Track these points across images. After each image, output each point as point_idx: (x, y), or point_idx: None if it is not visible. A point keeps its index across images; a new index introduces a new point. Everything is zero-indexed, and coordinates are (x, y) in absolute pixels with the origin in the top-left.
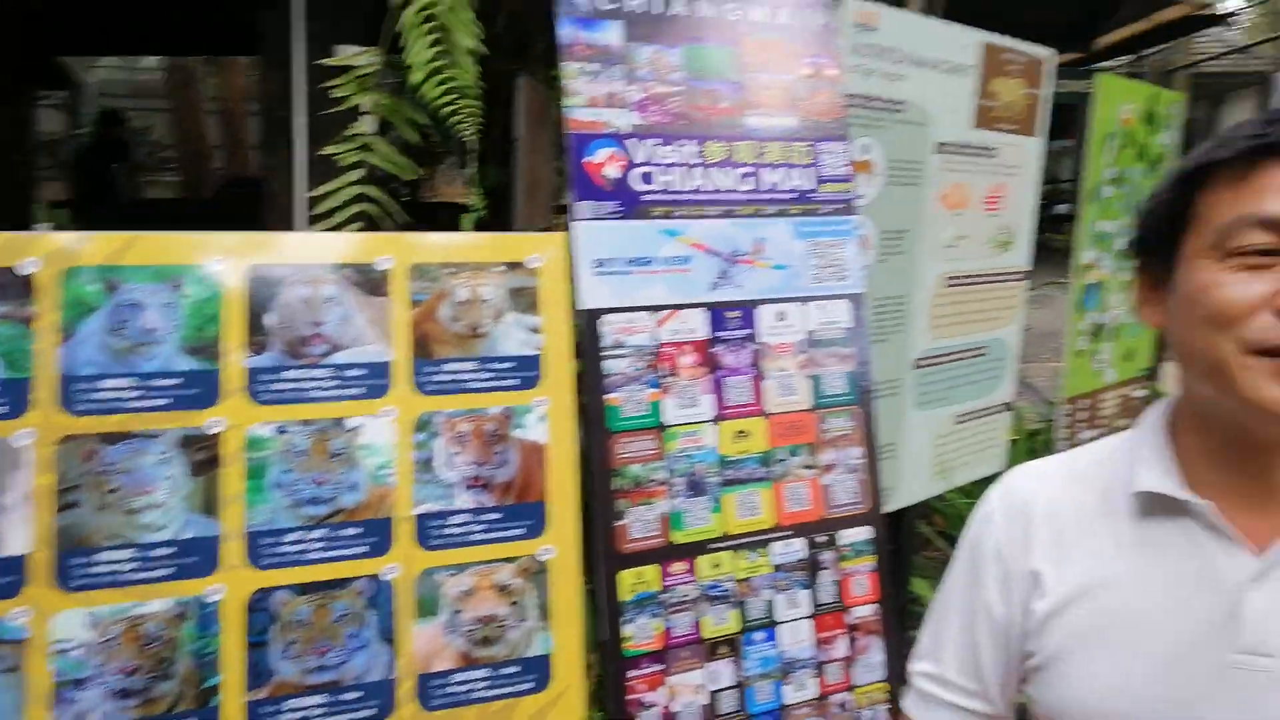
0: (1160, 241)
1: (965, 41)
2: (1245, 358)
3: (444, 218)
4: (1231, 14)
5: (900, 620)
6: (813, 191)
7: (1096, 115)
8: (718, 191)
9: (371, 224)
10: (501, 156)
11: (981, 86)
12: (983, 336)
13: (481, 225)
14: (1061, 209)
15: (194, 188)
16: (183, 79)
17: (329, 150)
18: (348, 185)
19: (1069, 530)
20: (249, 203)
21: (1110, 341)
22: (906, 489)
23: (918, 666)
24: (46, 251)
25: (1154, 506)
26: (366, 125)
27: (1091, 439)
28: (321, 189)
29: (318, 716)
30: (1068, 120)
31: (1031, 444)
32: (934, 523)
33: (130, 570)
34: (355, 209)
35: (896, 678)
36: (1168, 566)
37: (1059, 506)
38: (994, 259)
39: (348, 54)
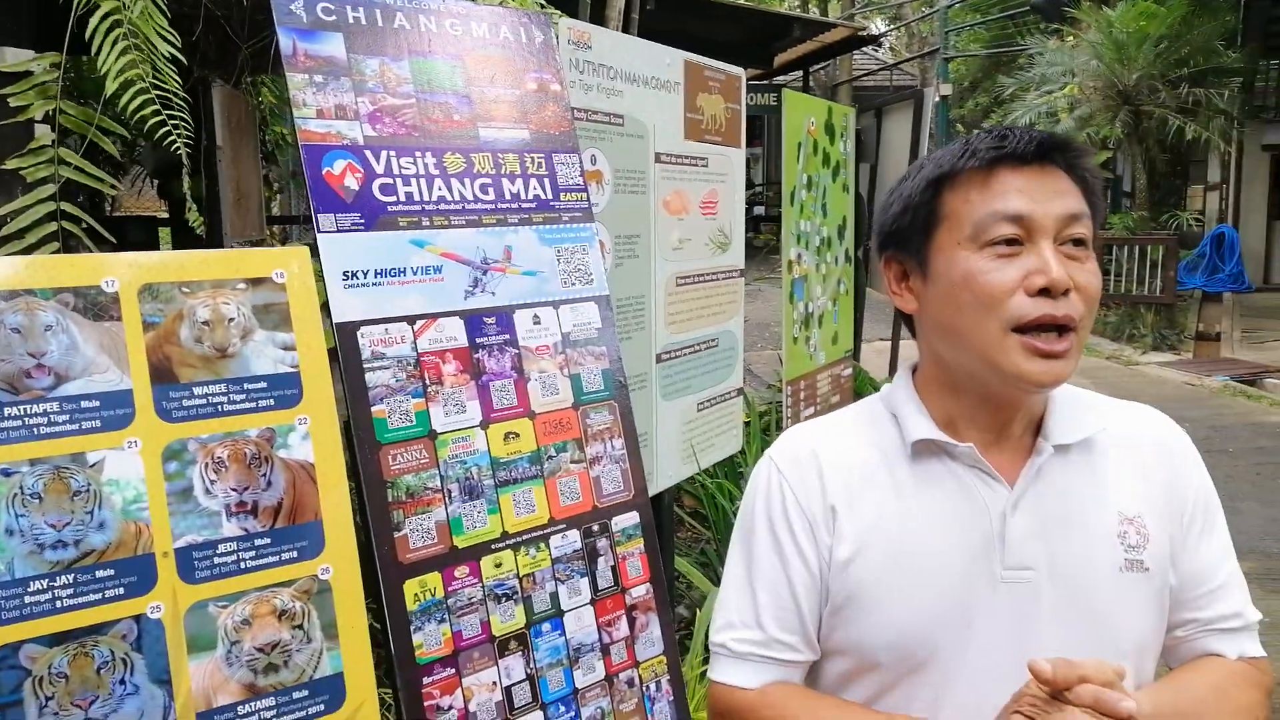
0: (912, 236)
1: (669, 60)
2: (1007, 336)
3: (136, 233)
4: (880, 35)
5: (670, 597)
6: (553, 200)
7: (787, 126)
8: (462, 201)
9: (68, 244)
10: (200, 167)
11: (689, 101)
12: (712, 330)
13: (188, 238)
14: (758, 210)
15: None
16: None
17: (13, 164)
18: (39, 202)
19: (854, 480)
20: None
21: (817, 328)
22: (662, 474)
23: (731, 635)
24: None
25: (925, 453)
26: (47, 139)
27: (813, 414)
28: (9, 206)
29: None
30: (756, 129)
31: (764, 424)
32: (684, 505)
33: None
34: (50, 227)
35: (672, 649)
36: (942, 503)
37: (841, 459)
38: (715, 259)
39: (20, 59)
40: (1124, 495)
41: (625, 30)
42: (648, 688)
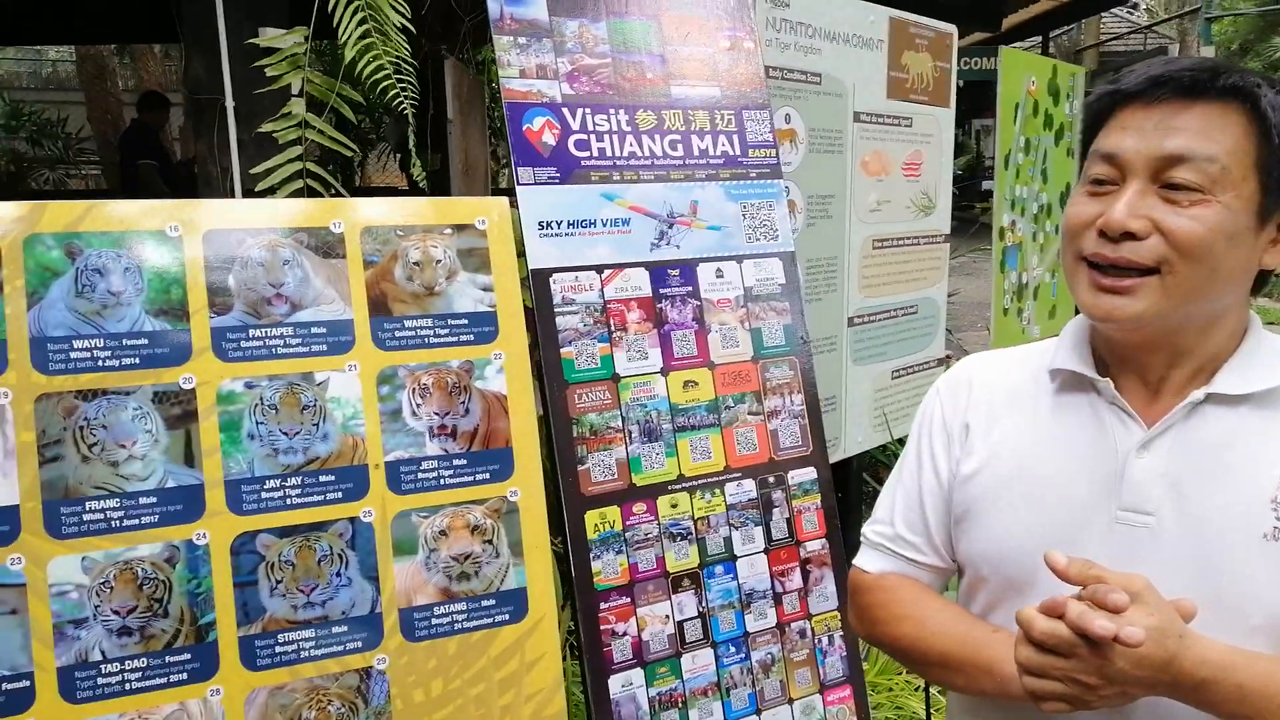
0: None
1: (873, 17)
2: (1079, 265)
3: None
4: None
5: (848, 561)
6: (741, 157)
7: (1003, 86)
8: (651, 157)
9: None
10: (435, 140)
11: (893, 60)
12: (911, 296)
13: None
14: (988, 184)
15: (114, 177)
16: (96, 69)
17: (268, 127)
18: (289, 161)
19: (999, 402)
20: (176, 190)
21: (1032, 300)
22: (850, 440)
23: (872, 528)
24: (6, 219)
25: (1069, 384)
26: (300, 107)
27: None
28: (264, 165)
29: (309, 649)
30: (989, 99)
31: None
32: (879, 475)
33: (118, 518)
34: (297, 184)
35: (847, 607)
36: (1072, 434)
37: (995, 381)
38: (916, 222)
39: (274, 35)
40: None
41: None
42: (820, 640)
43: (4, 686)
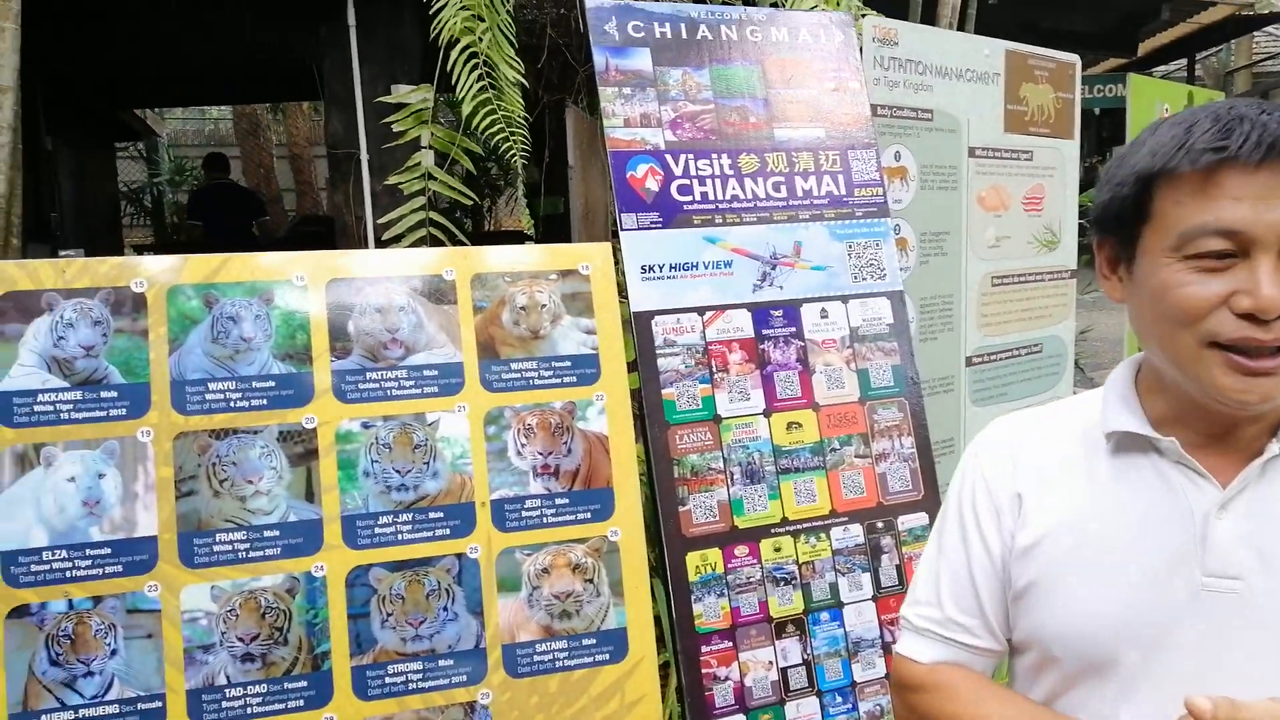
0: (1120, 229)
1: (988, 50)
2: (1203, 350)
3: (506, 245)
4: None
5: None
6: (846, 197)
7: (1133, 113)
8: (754, 199)
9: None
10: (558, 185)
11: (1010, 93)
12: (1035, 334)
13: None
14: None
15: (268, 227)
16: (250, 126)
17: (394, 180)
18: (413, 211)
19: (1049, 467)
20: (320, 240)
21: None
22: None
23: (915, 611)
24: (152, 272)
25: (1126, 445)
26: (426, 159)
27: None
28: (389, 216)
29: (416, 681)
30: (1124, 126)
31: None
32: None
33: (244, 549)
34: (420, 234)
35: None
36: (1140, 499)
37: (1040, 445)
38: (1039, 258)
39: (403, 91)
40: None
41: (961, 27)
42: None
43: (139, 706)
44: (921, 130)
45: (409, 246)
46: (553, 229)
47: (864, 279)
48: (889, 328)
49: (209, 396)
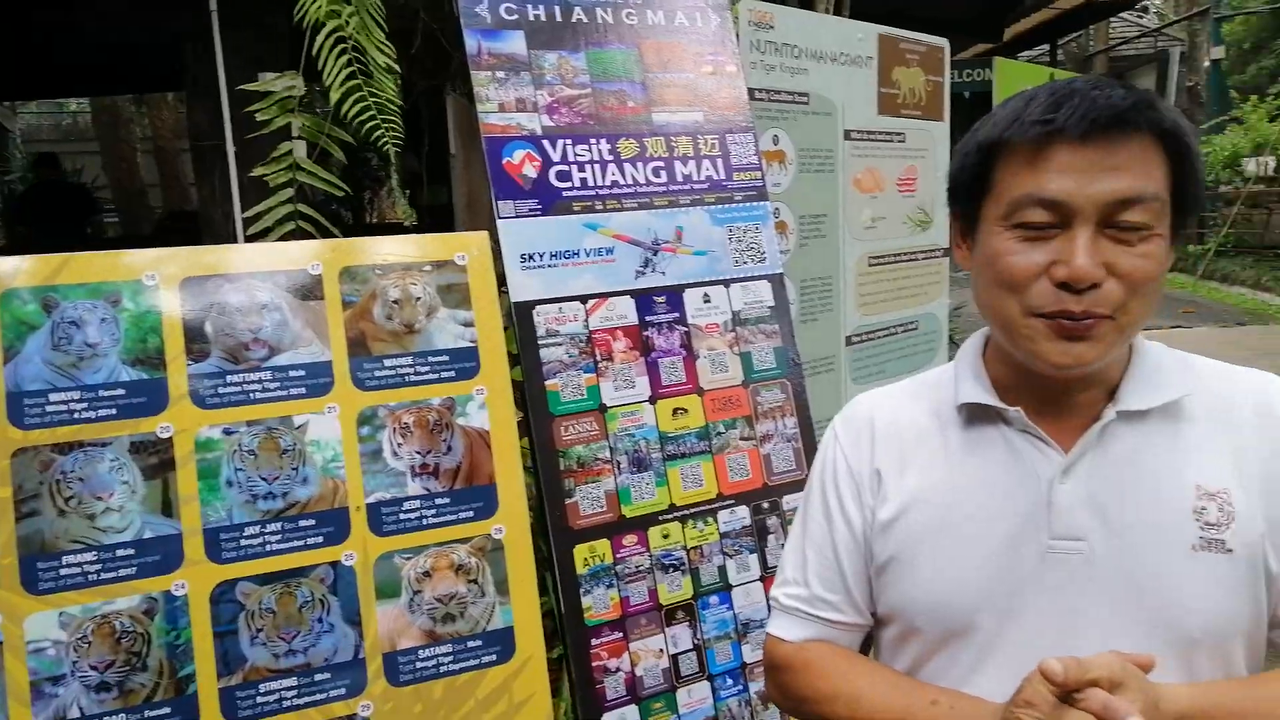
0: (966, 199)
1: (861, 34)
2: (1027, 319)
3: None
4: None
5: None
6: (725, 181)
7: (999, 97)
8: (634, 185)
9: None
10: (440, 175)
11: (883, 76)
12: (911, 312)
13: None
14: None
15: (132, 225)
16: (111, 119)
17: (259, 172)
18: (281, 204)
19: (907, 442)
20: (188, 237)
21: None
22: None
23: (783, 591)
24: None
25: (976, 416)
26: (295, 149)
27: None
28: (255, 209)
29: (291, 698)
30: (989, 108)
31: None
32: None
33: (95, 571)
34: (289, 227)
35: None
36: (991, 469)
37: (897, 420)
38: (913, 238)
39: (268, 79)
40: (1208, 467)
41: (837, 12)
42: None
43: None
44: (798, 114)
45: (278, 241)
46: (437, 221)
47: (745, 263)
48: (770, 310)
49: (50, 408)
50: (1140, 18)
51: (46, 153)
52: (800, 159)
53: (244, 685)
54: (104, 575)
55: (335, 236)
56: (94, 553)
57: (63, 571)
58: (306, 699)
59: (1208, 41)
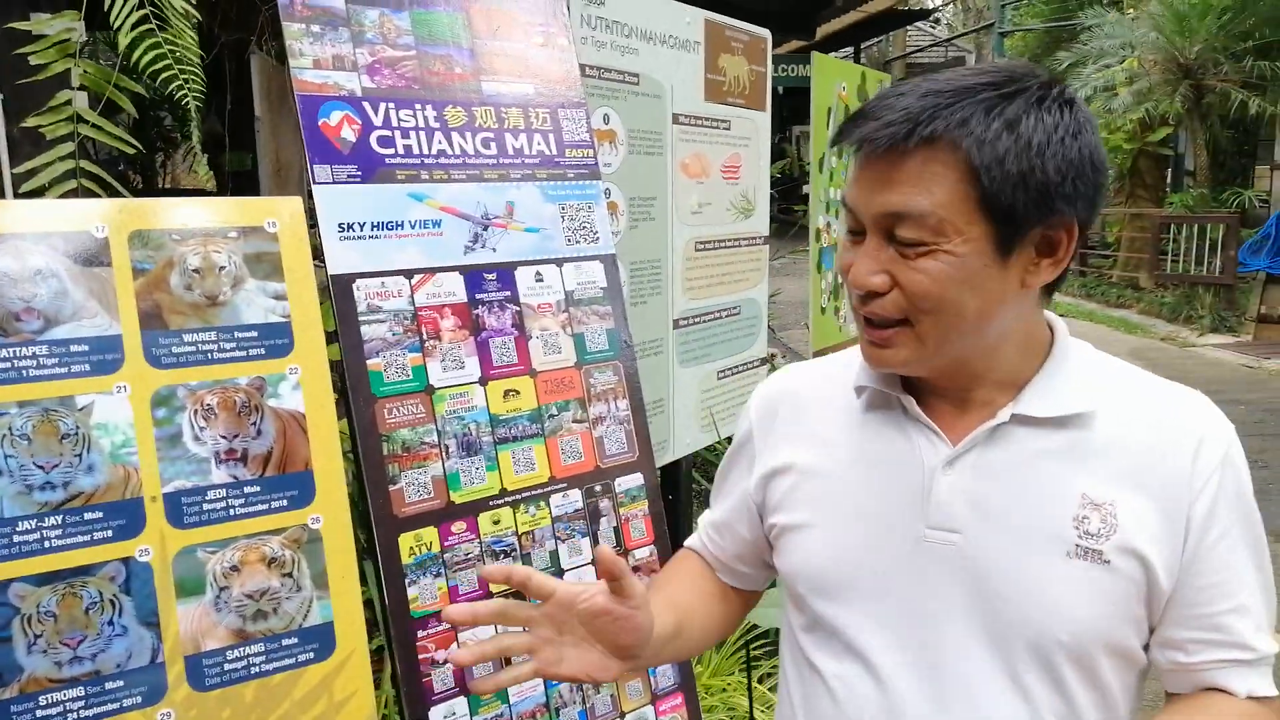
0: None
1: (689, 18)
2: (858, 314)
3: None
4: (933, 10)
5: None
6: (558, 157)
7: (816, 91)
8: (463, 156)
9: None
10: (244, 139)
11: (710, 62)
12: (734, 297)
13: None
14: (808, 188)
15: None
16: None
17: (32, 122)
18: (59, 159)
19: (809, 418)
20: None
21: (847, 299)
22: (679, 442)
23: (704, 515)
24: None
25: (874, 400)
26: (77, 100)
27: None
28: (28, 165)
29: (77, 709)
30: (807, 105)
31: None
32: (709, 474)
33: None
34: (69, 184)
35: None
36: (881, 452)
37: (805, 397)
38: (736, 224)
39: (42, 19)
40: (1098, 478)
41: None
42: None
43: None
44: (628, 94)
45: (58, 199)
46: (241, 189)
47: (577, 242)
48: (603, 291)
49: None
50: (934, 28)
51: None
52: (630, 140)
53: (21, 698)
54: None
55: (124, 197)
56: None
57: None
58: (96, 710)
59: (992, 53)
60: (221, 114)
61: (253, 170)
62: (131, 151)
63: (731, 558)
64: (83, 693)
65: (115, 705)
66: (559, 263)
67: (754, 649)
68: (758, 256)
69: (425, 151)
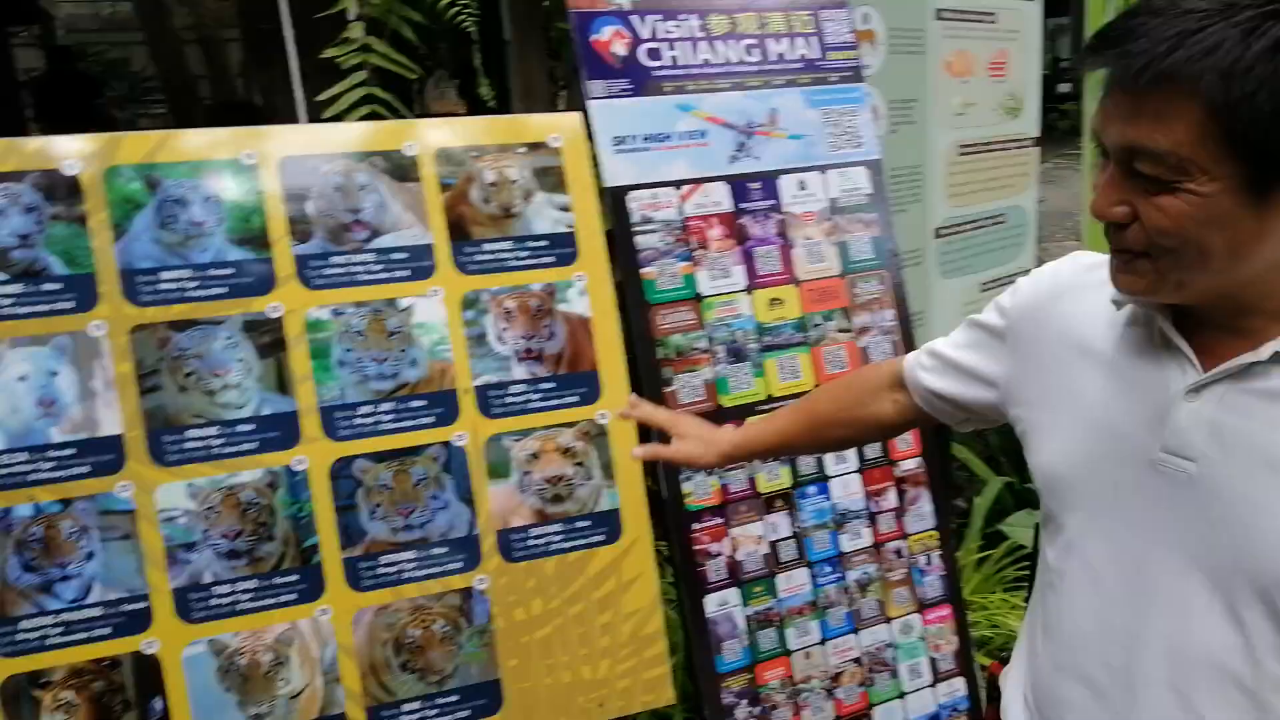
0: None
1: None
2: None
3: None
4: None
5: (945, 479)
6: (820, 60)
7: None
8: (727, 64)
9: None
10: (489, 65)
11: None
12: (1000, 204)
13: None
14: (1064, 88)
15: (182, 116)
16: (153, 7)
17: (330, 53)
18: (354, 87)
19: (1077, 316)
20: (242, 124)
21: None
22: None
23: (935, 345)
24: (85, 153)
25: (1134, 315)
26: (358, 30)
27: None
28: (328, 92)
29: (410, 570)
30: None
31: None
32: None
33: (219, 445)
34: (364, 110)
35: (945, 526)
36: (1129, 366)
37: (1084, 294)
38: (1003, 125)
39: None
40: None
41: None
42: (916, 560)
43: (123, 607)
44: None
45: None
46: (489, 112)
47: (842, 148)
48: (868, 198)
49: (163, 286)
50: None
51: (61, 45)
52: (890, 39)
53: (365, 557)
54: (227, 449)
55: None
56: (216, 427)
57: (187, 445)
58: (425, 571)
59: None
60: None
61: (500, 95)
62: (413, 77)
63: (931, 395)
64: (414, 556)
65: (440, 569)
66: (822, 169)
67: (1016, 570)
68: (1026, 160)
69: (691, 62)
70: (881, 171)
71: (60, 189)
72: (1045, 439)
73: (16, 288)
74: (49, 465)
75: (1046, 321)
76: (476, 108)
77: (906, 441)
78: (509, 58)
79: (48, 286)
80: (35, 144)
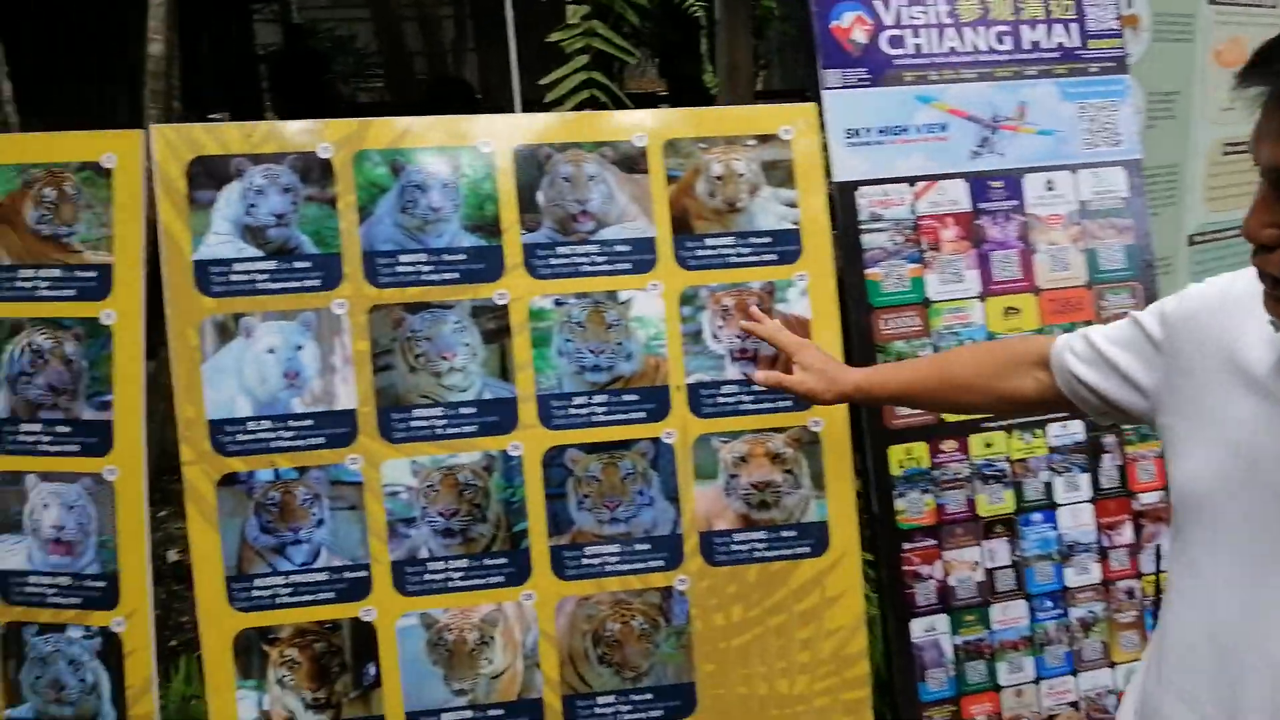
0: None
1: None
2: None
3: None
4: None
5: None
6: (1079, 49)
7: None
8: (974, 52)
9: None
10: (686, 46)
11: None
12: None
13: None
14: None
15: (400, 93)
16: None
17: (555, 37)
18: (575, 71)
19: (1238, 333)
20: (457, 104)
21: None
22: None
23: (1089, 332)
24: (337, 136)
25: None
26: (579, 12)
27: None
28: (551, 76)
29: (613, 564)
30: None
31: None
32: None
33: (442, 426)
34: (583, 95)
35: None
36: (1274, 389)
37: (1247, 310)
38: None
39: None
40: None
41: None
42: (1150, 602)
43: (346, 575)
44: None
45: (573, 109)
46: (688, 94)
47: (1097, 145)
48: (1124, 201)
49: (400, 269)
50: None
51: (295, 23)
52: (1156, 25)
53: (571, 546)
54: (449, 430)
55: (628, 107)
56: (441, 408)
57: (413, 423)
58: (628, 566)
59: None
60: (672, 20)
61: (696, 75)
62: (633, 60)
63: (1075, 381)
64: (618, 550)
65: (643, 565)
66: (1074, 169)
67: None
68: None
69: (935, 50)
70: (1140, 173)
71: (314, 171)
72: (1186, 454)
73: (271, 264)
74: (289, 434)
75: (1208, 335)
76: (678, 86)
77: (1149, 472)
78: (718, 37)
79: (298, 264)
80: (295, 127)
